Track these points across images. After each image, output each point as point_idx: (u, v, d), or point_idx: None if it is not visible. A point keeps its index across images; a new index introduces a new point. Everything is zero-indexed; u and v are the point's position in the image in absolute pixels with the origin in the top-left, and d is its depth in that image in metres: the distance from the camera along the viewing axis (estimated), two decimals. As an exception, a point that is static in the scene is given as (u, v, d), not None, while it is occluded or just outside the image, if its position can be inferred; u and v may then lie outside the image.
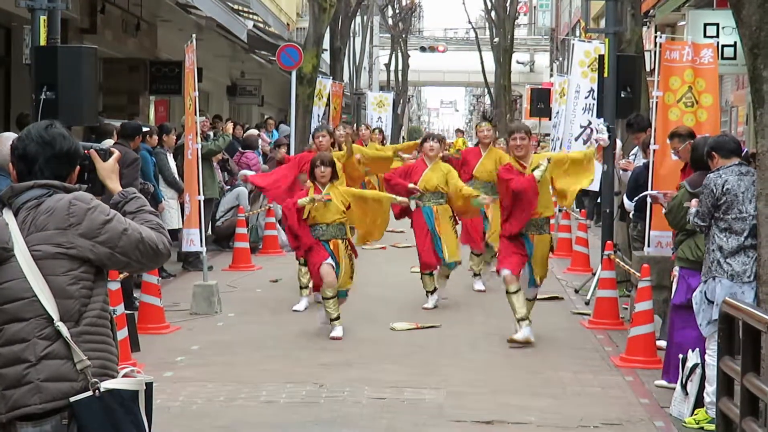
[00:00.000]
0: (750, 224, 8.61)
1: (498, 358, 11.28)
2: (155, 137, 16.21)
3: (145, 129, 15.63)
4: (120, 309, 10.24)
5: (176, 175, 16.25)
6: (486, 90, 57.64)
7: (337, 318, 12.09)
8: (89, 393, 4.39)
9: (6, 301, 4.41)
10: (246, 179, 16.34)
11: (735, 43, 19.24)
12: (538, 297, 13.93)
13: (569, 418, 8.97)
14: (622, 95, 14.17)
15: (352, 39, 43.49)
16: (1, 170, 8.18)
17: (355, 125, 32.38)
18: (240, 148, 20.62)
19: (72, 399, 4.38)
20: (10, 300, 4.40)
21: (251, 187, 19.54)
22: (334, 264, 12.05)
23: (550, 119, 28.49)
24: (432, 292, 14.04)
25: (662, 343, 10.79)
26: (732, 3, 8.47)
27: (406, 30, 58.17)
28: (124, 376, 4.55)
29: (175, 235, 15.43)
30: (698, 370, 8.84)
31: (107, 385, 4.42)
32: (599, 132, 14.39)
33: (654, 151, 12.57)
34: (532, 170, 11.70)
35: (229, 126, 18.86)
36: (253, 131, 23.02)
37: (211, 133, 18.58)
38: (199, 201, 13.60)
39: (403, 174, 14.13)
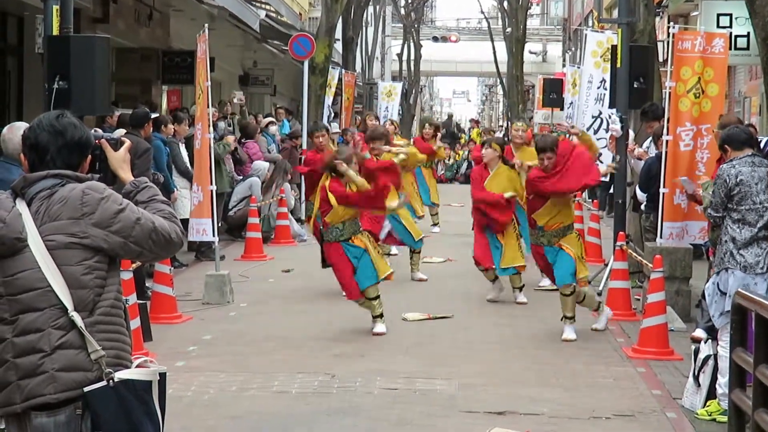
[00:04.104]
0: (763, 215, 8.59)
1: (510, 349, 11.28)
2: (171, 127, 16.20)
3: (154, 116, 15.64)
4: (132, 299, 10.25)
5: (188, 165, 16.25)
6: (498, 80, 57.60)
7: (381, 315, 11.86)
8: (103, 383, 4.40)
9: (20, 292, 4.42)
10: None
11: (748, 33, 19.20)
12: (548, 288, 13.94)
13: (581, 409, 8.96)
14: (635, 86, 14.14)
15: (364, 29, 43.45)
16: (13, 160, 8.19)
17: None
18: (242, 139, 20.60)
19: (86, 389, 4.38)
20: (25, 290, 4.41)
21: (264, 177, 19.59)
22: (362, 257, 11.65)
23: (562, 110, 28.50)
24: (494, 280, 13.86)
25: (700, 334, 10.66)
26: (745, -7, 8.46)
27: (418, 20, 58.07)
28: (138, 366, 4.56)
29: (188, 224, 15.42)
30: (711, 362, 8.83)
31: (121, 375, 4.43)
32: (612, 122, 14.39)
33: (666, 141, 12.54)
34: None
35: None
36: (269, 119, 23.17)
37: (221, 123, 18.57)
38: (211, 191, 13.59)
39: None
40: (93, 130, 4.75)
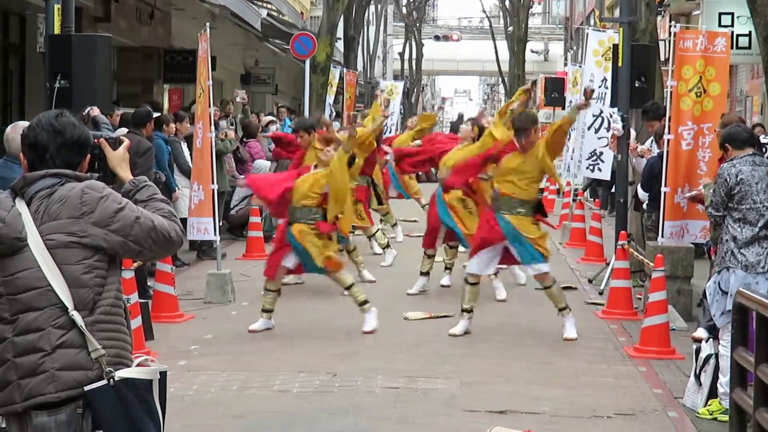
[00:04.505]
0: (764, 214, 8.59)
1: (511, 347, 11.27)
2: (172, 126, 16.20)
3: (156, 114, 15.63)
4: (134, 298, 10.25)
5: (191, 164, 16.24)
6: (500, 79, 57.63)
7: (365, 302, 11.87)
8: (104, 382, 4.39)
9: (20, 291, 4.41)
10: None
11: (750, 32, 19.19)
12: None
13: (582, 408, 8.96)
14: (636, 85, 14.13)
15: (366, 28, 43.49)
16: (17, 159, 8.20)
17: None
18: (244, 138, 20.57)
19: (87, 388, 4.38)
20: (25, 290, 4.41)
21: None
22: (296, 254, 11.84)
23: (564, 108, 28.47)
24: (424, 274, 14.33)
25: (702, 333, 10.64)
26: (747, -8, 8.46)
27: (420, 19, 58.14)
28: (139, 365, 4.56)
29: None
30: (712, 361, 8.82)
31: (122, 374, 4.43)
32: (613, 121, 14.39)
33: (668, 141, 12.54)
34: None
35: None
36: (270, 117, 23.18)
37: (223, 122, 18.54)
38: (213, 190, 13.59)
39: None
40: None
